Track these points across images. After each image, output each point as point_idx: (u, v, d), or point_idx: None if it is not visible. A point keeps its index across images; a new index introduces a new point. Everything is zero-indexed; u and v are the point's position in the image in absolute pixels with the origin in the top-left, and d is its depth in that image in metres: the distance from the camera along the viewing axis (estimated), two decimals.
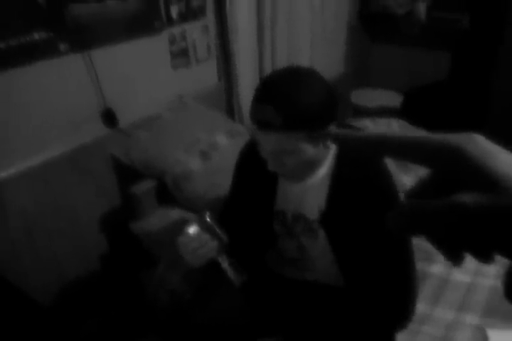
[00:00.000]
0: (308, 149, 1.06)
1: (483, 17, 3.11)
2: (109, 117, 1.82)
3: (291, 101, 0.98)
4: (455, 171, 0.29)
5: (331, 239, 1.21)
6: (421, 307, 1.48)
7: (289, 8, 2.57)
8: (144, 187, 1.79)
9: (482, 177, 0.28)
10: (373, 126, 2.46)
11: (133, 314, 1.74)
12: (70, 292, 1.85)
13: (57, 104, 1.66)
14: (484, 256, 0.30)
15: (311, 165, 1.16)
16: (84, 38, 1.69)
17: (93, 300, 1.90)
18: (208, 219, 1.15)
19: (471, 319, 1.44)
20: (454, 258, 0.32)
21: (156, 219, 1.80)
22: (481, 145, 0.29)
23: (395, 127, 2.49)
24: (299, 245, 1.30)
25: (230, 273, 1.15)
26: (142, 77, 1.97)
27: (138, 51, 1.92)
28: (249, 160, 1.28)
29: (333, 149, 1.18)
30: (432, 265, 1.66)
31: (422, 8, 3.34)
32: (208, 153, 1.88)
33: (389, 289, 1.17)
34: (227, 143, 1.98)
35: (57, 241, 1.74)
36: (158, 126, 1.95)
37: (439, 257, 1.69)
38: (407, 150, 0.31)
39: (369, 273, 1.17)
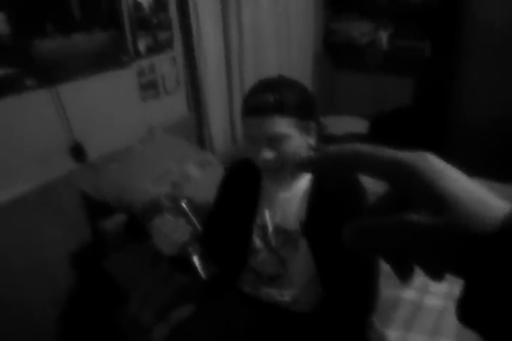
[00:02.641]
0: (296, 136, 1.19)
1: (443, 45, 3.24)
2: (77, 152, 1.81)
3: (283, 90, 1.17)
4: (408, 188, 0.30)
5: (312, 249, 1.27)
6: (395, 333, 1.49)
7: (256, 38, 2.63)
8: (114, 222, 1.77)
9: (432, 196, 0.28)
10: None
11: None
12: (39, 332, 1.78)
13: (25, 140, 1.63)
14: (434, 273, 0.31)
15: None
16: (51, 72, 1.68)
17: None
18: (184, 205, 1.17)
19: None
20: (404, 275, 0.32)
21: (127, 254, 1.77)
22: (433, 164, 0.29)
23: None
24: (279, 259, 1.33)
25: (199, 264, 1.15)
26: (111, 109, 1.97)
27: (106, 84, 1.93)
28: (235, 177, 1.40)
29: None
30: (405, 291, 1.68)
31: (384, 37, 3.47)
32: (179, 184, 1.88)
33: (360, 289, 1.27)
34: (198, 174, 1.98)
35: (25, 280, 1.68)
36: (128, 159, 1.94)
37: (412, 283, 1.71)
38: (366, 167, 0.31)
39: (346, 278, 1.25)
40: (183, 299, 1.64)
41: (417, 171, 0.29)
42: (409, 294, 1.66)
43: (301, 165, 0.35)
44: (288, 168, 1.22)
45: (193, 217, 1.17)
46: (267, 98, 1.15)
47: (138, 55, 2.07)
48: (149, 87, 2.17)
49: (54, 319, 1.82)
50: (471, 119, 3.31)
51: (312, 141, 1.25)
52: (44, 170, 1.70)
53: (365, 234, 0.31)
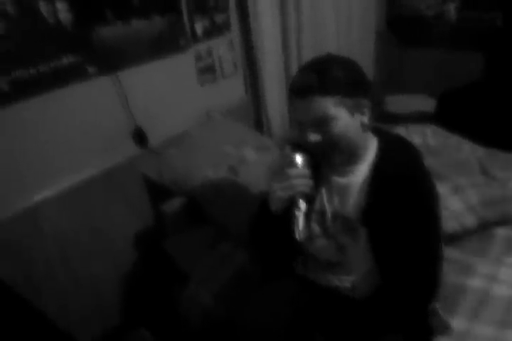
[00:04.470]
0: (345, 117, 1.12)
1: None
2: (139, 137, 1.85)
3: (329, 68, 1.11)
4: None
5: (371, 238, 1.23)
6: (459, 323, 1.42)
7: (314, 18, 2.55)
8: (174, 205, 1.81)
9: None
10: (406, 134, 2.41)
11: (166, 333, 1.74)
12: (106, 310, 1.88)
13: (89, 126, 1.69)
14: None
15: (353, 150, 1.20)
16: (112, 59, 1.72)
17: (128, 318, 1.92)
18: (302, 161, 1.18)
19: None
20: None
21: (187, 236, 1.81)
22: None
23: (428, 134, 2.42)
24: (338, 246, 1.31)
25: (300, 222, 1.14)
26: (170, 94, 2.00)
27: (165, 69, 1.95)
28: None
29: (374, 144, 1.24)
30: (471, 278, 1.60)
31: (452, 9, 3.27)
32: (236, 168, 1.88)
33: (420, 277, 1.21)
34: (255, 158, 1.98)
35: (92, 261, 1.77)
36: (187, 143, 1.97)
37: (478, 270, 1.63)
38: None
39: (406, 267, 1.20)
40: (242, 280, 1.67)
41: None
42: (476, 282, 1.58)
43: None
44: (340, 151, 1.17)
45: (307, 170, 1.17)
46: (310, 78, 1.10)
47: (195, 38, 2.07)
48: (207, 71, 2.17)
49: (119, 295, 1.91)
50: None
51: (366, 119, 1.18)
52: (108, 155, 1.76)
53: None
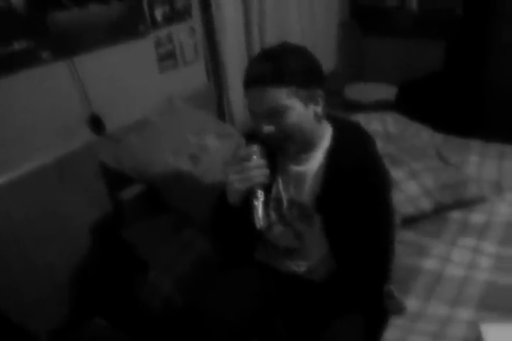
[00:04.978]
0: (299, 107, 1.12)
1: (477, 4, 3.07)
2: (96, 123, 1.82)
3: (283, 57, 1.10)
4: None
5: (326, 225, 1.25)
6: (413, 303, 1.46)
7: (277, 4, 2.55)
8: (133, 193, 1.79)
9: None
10: (367, 121, 2.44)
11: (125, 322, 1.73)
12: (63, 298, 1.85)
13: (43, 112, 1.65)
14: None
15: (308, 139, 1.20)
16: (67, 44, 1.68)
17: (85, 307, 1.90)
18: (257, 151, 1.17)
19: (465, 314, 1.42)
20: None
21: (146, 224, 1.79)
22: None
23: (388, 121, 2.47)
24: (295, 232, 1.33)
25: (260, 211, 1.14)
26: (129, 81, 1.97)
27: (123, 55, 1.92)
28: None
29: (329, 132, 1.25)
30: (424, 259, 1.64)
31: None
32: (197, 156, 1.88)
33: (373, 261, 1.24)
34: (217, 145, 1.97)
35: (48, 249, 1.73)
36: (148, 130, 1.94)
37: (432, 251, 1.68)
38: None
39: (359, 252, 1.22)
40: (203, 268, 1.68)
41: None
42: (429, 263, 1.63)
43: None
44: (294, 141, 1.17)
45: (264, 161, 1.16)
46: (263, 68, 1.09)
47: (155, 24, 2.04)
48: (167, 58, 2.14)
49: (76, 284, 1.88)
50: (507, 83, 3.15)
51: (319, 109, 1.18)
52: (64, 142, 1.72)
53: None
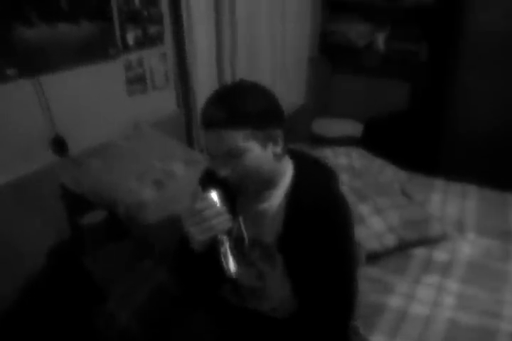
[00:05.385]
0: (257, 149, 1.08)
1: (440, 48, 3.20)
2: (58, 145, 1.75)
3: (239, 99, 1.07)
4: None
5: (287, 264, 1.22)
6: (379, 340, 1.43)
7: (249, 39, 2.59)
8: (94, 218, 1.71)
9: None
10: (333, 156, 2.46)
11: None
12: (13, 330, 1.72)
13: (4, 131, 1.58)
14: None
15: (267, 178, 1.17)
16: (34, 62, 1.63)
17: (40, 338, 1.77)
18: (215, 195, 1.09)
19: None
20: None
21: (107, 252, 1.71)
22: None
23: (354, 156, 2.49)
24: (257, 272, 1.30)
25: (229, 258, 1.08)
26: (96, 103, 1.92)
27: (91, 77, 1.88)
28: (208, 187, 1.25)
29: (289, 169, 1.22)
30: (389, 296, 1.63)
31: (381, 40, 3.43)
32: (163, 182, 1.82)
33: (336, 299, 1.19)
34: (184, 172, 1.93)
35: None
36: (112, 154, 1.89)
37: (396, 288, 1.67)
38: None
39: (321, 292, 1.18)
40: (162, 298, 1.60)
41: None
42: (394, 301, 1.61)
43: None
44: (252, 183, 1.14)
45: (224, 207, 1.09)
46: (219, 111, 1.04)
47: (126, 48, 2.02)
48: (137, 82, 2.12)
49: (30, 314, 1.76)
50: (466, 125, 3.28)
51: (279, 149, 1.14)
52: (24, 163, 1.65)
53: None
